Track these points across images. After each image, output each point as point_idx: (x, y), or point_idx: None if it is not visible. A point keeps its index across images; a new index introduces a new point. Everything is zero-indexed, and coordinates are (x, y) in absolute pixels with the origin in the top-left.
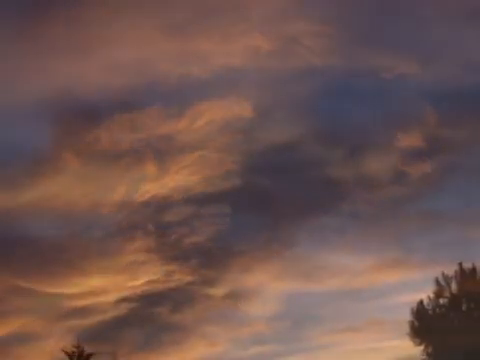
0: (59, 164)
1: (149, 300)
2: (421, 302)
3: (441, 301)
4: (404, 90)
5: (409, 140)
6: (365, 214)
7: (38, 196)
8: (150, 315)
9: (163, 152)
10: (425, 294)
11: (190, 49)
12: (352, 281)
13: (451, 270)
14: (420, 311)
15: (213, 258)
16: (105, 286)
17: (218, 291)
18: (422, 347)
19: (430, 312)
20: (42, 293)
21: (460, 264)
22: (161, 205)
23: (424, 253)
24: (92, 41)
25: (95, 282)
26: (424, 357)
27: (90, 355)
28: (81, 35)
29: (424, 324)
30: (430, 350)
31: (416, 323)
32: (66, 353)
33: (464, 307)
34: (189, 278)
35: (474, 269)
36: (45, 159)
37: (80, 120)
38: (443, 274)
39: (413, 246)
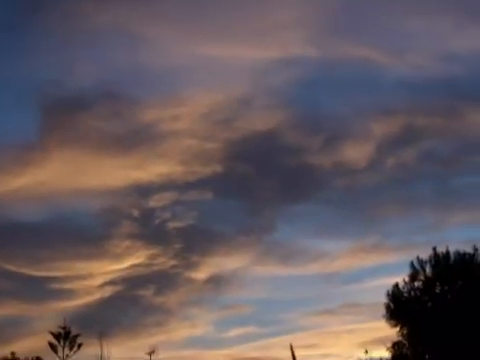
0: (46, 152)
1: (133, 283)
2: (396, 285)
3: (416, 284)
4: (380, 80)
5: (385, 128)
6: (342, 200)
7: (26, 183)
8: (134, 298)
9: (147, 140)
10: (400, 277)
11: (174, 40)
12: (330, 265)
13: (426, 254)
14: (395, 294)
15: (195, 243)
16: (91, 270)
17: (200, 274)
18: (397, 329)
19: (405, 295)
20: (30, 277)
21: (434, 248)
22: (145, 191)
23: (399, 238)
24: (80, 33)
25: (81, 266)
26: (399, 338)
27: (76, 336)
28: (69, 28)
29: (399, 306)
30: (405, 331)
31: (392, 305)
32: (53, 334)
33: (438, 290)
34: (172, 262)
35: (448, 253)
36: (33, 148)
37: (67, 110)
38: (418, 258)
39: (389, 231)
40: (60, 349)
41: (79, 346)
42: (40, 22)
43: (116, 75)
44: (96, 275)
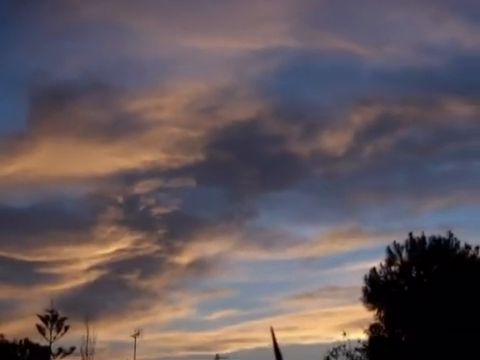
0: (35, 141)
1: (119, 268)
2: (374, 269)
3: (392, 268)
4: (359, 71)
5: (363, 118)
6: (321, 187)
7: (15, 171)
8: (119, 282)
9: (132, 129)
10: (377, 262)
11: (159, 32)
12: (309, 250)
13: (402, 240)
14: (373, 278)
15: (179, 228)
16: (77, 255)
17: (183, 259)
18: (375, 312)
19: (382, 279)
20: (19, 261)
21: (410, 234)
22: (130, 178)
23: (377, 224)
24: (67, 25)
25: (68, 251)
26: (377, 321)
27: (63, 319)
28: (57, 20)
29: (376, 290)
30: (382, 314)
31: (369, 289)
32: (41, 317)
33: (414, 274)
34: (156, 247)
35: (423, 239)
36: (22, 136)
37: (55, 100)
38: (394, 243)
39: (366, 217)
40: (48, 332)
41: (66, 329)
42: (29, 14)
43: (103, 66)
44: (83, 260)
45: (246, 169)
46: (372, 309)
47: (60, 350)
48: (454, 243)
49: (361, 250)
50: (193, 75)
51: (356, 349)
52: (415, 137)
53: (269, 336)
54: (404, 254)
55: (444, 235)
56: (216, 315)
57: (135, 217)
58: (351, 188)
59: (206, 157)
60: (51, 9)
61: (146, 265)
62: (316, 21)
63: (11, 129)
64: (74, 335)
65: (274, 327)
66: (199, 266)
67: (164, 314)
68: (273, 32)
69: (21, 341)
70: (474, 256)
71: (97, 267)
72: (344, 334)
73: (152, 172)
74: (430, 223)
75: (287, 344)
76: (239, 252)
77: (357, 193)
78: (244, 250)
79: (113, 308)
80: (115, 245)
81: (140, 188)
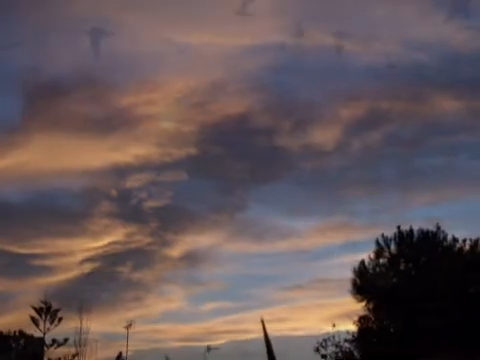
0: (29, 135)
1: (111, 260)
2: (362, 262)
3: (381, 261)
4: (348, 67)
5: (352, 113)
6: (311, 181)
7: (10, 165)
8: (112, 274)
9: (124, 123)
10: (366, 254)
11: (150, 27)
12: (299, 243)
13: (390, 232)
14: (361, 270)
15: (170, 221)
16: (71, 247)
17: (175, 252)
18: (363, 303)
19: (371, 271)
20: (13, 253)
21: (399, 227)
22: (122, 172)
23: (365, 217)
24: (58, 20)
25: (62, 243)
26: (365, 313)
27: (57, 310)
28: (48, 15)
29: (365, 282)
30: (371, 306)
31: (358, 281)
32: (35, 309)
33: (402, 266)
34: (148, 240)
35: (411, 231)
36: (16, 131)
37: (48, 94)
38: (383, 236)
39: (355, 210)
40: (41, 323)
41: (59, 320)
42: (19, 9)
43: (93, 61)
44: (76, 252)
45: (237, 163)
46: (361, 301)
47: (54, 341)
48: (442, 236)
49: (350, 243)
50: (184, 70)
51: (345, 340)
52: (403, 131)
53: (260, 327)
54: (392, 247)
55: (432, 228)
56: (207, 307)
57: (128, 210)
58: (340, 182)
59: (197, 151)
60: (43, 4)
61: (138, 257)
62: (307, 17)
63: (4, 123)
64: (67, 326)
65: (265, 319)
66: (191, 258)
67: (156, 306)
68: (264, 28)
69: (15, 332)
70: (461, 249)
71: (90, 259)
72: (333, 325)
73: (144, 166)
74: (418, 216)
75: (277, 335)
76: (230, 245)
77: (346, 187)
78: (235, 243)
79: (106, 300)
80: (108, 238)
81: (132, 182)
